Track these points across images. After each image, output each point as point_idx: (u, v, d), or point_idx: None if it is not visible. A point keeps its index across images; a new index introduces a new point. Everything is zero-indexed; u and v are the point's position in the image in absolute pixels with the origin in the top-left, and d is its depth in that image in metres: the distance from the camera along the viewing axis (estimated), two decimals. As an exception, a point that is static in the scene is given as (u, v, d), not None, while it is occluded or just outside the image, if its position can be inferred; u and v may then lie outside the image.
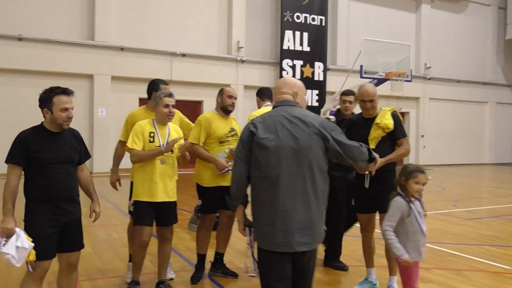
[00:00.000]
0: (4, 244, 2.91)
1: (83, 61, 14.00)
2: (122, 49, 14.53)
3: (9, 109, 13.13)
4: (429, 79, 20.71)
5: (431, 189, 12.46)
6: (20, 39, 13.25)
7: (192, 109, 15.99)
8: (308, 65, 17.29)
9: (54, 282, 3.49)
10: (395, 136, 4.05)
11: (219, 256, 4.74)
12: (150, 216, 3.96)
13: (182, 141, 4.07)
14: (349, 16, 18.81)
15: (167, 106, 3.98)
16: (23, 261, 2.92)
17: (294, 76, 17.01)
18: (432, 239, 5.50)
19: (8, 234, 2.92)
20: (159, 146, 3.94)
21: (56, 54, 13.61)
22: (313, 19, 17.38)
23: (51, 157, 3.07)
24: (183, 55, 15.45)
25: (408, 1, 20.43)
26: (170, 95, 4.04)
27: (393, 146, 4.05)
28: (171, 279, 4.48)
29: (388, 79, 14.89)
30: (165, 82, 4.63)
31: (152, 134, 3.97)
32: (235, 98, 4.75)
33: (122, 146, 4.45)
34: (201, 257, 4.60)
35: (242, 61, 16.48)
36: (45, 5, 13.74)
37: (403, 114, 18.99)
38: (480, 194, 12.23)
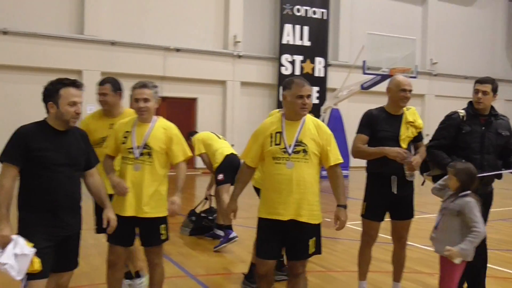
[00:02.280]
0: (0, 255, 2.64)
1: (72, 56, 13.99)
2: (112, 43, 14.52)
3: (-6, 106, 13.13)
4: (435, 75, 20.76)
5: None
6: (5, 32, 13.23)
7: (186, 106, 16.02)
8: (308, 61, 17.30)
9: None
10: (419, 137, 4.07)
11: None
12: (122, 232, 3.34)
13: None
14: (352, 9, 18.81)
15: (136, 100, 3.43)
16: (25, 271, 2.65)
17: (293, 71, 17.01)
18: (437, 243, 5.52)
19: (4, 242, 2.67)
20: (131, 148, 3.41)
21: (43, 48, 13.59)
22: (314, 12, 17.38)
23: (53, 158, 2.82)
24: (177, 50, 15.45)
25: (414, -7, 20.46)
26: (143, 85, 3.45)
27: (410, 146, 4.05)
28: None
29: (393, 75, 14.89)
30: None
31: (126, 134, 3.48)
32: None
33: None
34: None
35: (239, 56, 16.49)
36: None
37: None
38: (489, 196, 12.23)
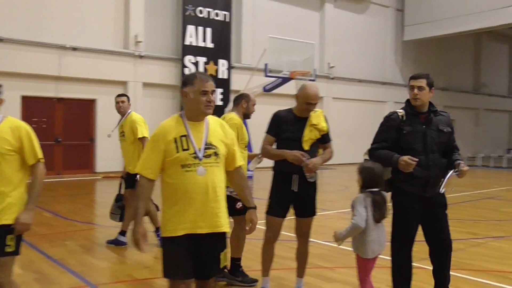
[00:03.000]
0: None
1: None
2: (1, 40, 13.48)
3: None
4: (333, 78, 21.77)
5: (334, 188, 13.15)
6: None
7: (84, 108, 15.32)
8: (212, 63, 17.35)
9: None
10: (325, 139, 4.22)
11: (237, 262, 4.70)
12: None
13: None
14: (254, 13, 19.16)
15: None
16: None
17: (197, 73, 16.92)
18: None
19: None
20: None
21: None
22: (217, 14, 17.47)
23: None
24: (74, 49, 14.70)
25: (312, 0, 21.34)
26: None
27: (317, 147, 4.19)
28: None
29: (293, 78, 15.43)
30: None
31: None
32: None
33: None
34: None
35: (141, 57, 16.10)
36: None
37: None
38: (382, 192, 13.12)
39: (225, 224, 2.91)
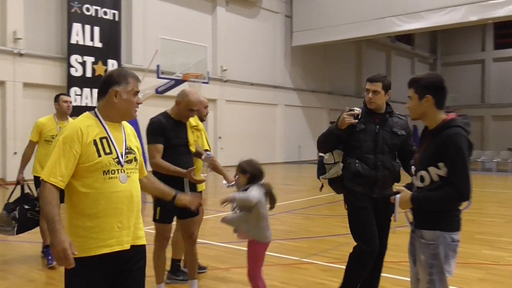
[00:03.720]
0: None
1: None
2: None
3: None
4: (226, 81, 21.95)
5: (226, 190, 13.20)
6: None
7: (-45, 110, 13.87)
8: (100, 62, 16.60)
9: None
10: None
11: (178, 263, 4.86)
12: None
13: None
14: (144, 13, 18.69)
15: None
16: None
17: (84, 73, 16.17)
18: (229, 239, 5.83)
19: None
20: None
21: None
22: (105, 13, 16.78)
23: None
24: None
25: (204, 2, 21.29)
26: None
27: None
28: None
29: (186, 80, 15.35)
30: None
31: None
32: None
33: None
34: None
35: (21, 55, 14.92)
36: None
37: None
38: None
39: (144, 236, 2.60)
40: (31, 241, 6.73)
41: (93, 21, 16.41)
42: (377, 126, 3.74)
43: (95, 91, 16.41)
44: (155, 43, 16.83)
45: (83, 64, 16.17)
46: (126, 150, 2.52)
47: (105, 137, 2.46)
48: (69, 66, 15.86)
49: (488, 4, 18.54)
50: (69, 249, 2.22)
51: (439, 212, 2.63)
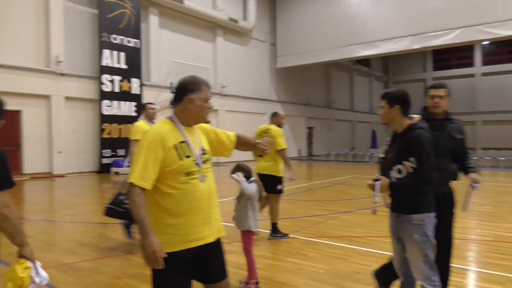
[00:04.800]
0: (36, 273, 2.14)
1: None
2: None
3: None
4: (225, 95, 21.92)
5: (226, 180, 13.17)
6: None
7: (10, 118, 13.71)
8: (126, 81, 16.51)
9: None
10: None
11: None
12: None
13: None
14: (160, 41, 18.60)
15: None
16: None
17: (113, 89, 16.07)
18: (229, 220, 5.85)
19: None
20: None
21: None
22: (129, 41, 16.67)
23: None
24: (0, 66, 13.09)
25: (206, 33, 21.24)
26: None
27: None
28: None
29: (193, 95, 15.27)
30: None
31: None
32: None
33: None
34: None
35: (62, 74, 14.80)
36: None
37: (208, 123, 19.62)
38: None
39: (223, 228, 2.32)
40: (73, 221, 6.68)
41: (119, 47, 16.31)
42: (438, 131, 3.16)
43: (122, 103, 16.39)
44: (168, 65, 16.78)
45: (112, 81, 16.06)
46: (202, 152, 2.23)
47: (184, 141, 2.16)
48: (101, 83, 15.75)
49: (427, 35, 18.77)
50: (159, 251, 1.96)
51: (420, 198, 2.65)
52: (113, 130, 16.14)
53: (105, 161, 15.84)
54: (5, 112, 2.33)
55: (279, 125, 5.68)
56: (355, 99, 34.94)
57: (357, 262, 4.45)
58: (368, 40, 20.74)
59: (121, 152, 16.29)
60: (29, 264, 2.14)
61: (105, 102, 15.88)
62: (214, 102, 20.03)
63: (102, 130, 15.83)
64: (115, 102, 16.17)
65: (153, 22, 18.22)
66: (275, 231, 5.53)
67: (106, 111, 15.91)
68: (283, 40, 24.73)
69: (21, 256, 2.14)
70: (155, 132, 2.11)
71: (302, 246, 5.14)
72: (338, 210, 7.59)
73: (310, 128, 29.20)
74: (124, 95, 16.51)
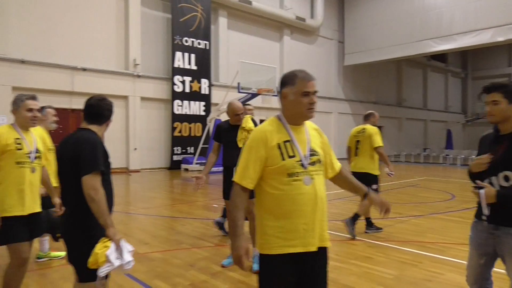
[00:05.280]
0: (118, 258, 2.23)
1: (-17, 72, 12.23)
2: (22, 61, 12.98)
3: None
4: (290, 94, 21.85)
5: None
6: None
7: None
8: (196, 81, 17.19)
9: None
10: None
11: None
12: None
13: None
14: (228, 43, 19.08)
15: (30, 110, 3.04)
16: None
17: (184, 89, 16.80)
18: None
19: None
20: (29, 153, 3.03)
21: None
22: (199, 43, 17.32)
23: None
24: (84, 69, 14.31)
25: (273, 32, 21.37)
26: (33, 97, 3.10)
27: None
28: None
29: (260, 94, 15.45)
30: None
31: (19, 141, 3.02)
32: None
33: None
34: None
35: (139, 76, 15.80)
36: None
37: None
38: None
39: (328, 237, 2.07)
40: (146, 214, 7.10)
41: (190, 49, 17.00)
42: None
43: (192, 102, 17.06)
44: (236, 66, 17.13)
45: (183, 82, 16.81)
46: (310, 153, 2.03)
47: (289, 141, 2.00)
48: (173, 84, 16.55)
49: (514, 26, 17.14)
50: (244, 256, 1.90)
51: None
52: (183, 129, 16.89)
53: (175, 158, 16.63)
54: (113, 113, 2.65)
55: (374, 125, 5.90)
56: (428, 97, 33.00)
57: (428, 269, 4.20)
58: (444, 34, 19.43)
59: (190, 149, 17.00)
60: (109, 244, 2.24)
61: (177, 102, 16.66)
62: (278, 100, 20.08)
63: (174, 129, 16.63)
64: (185, 102, 16.90)
65: (222, 24, 18.73)
66: (370, 224, 5.79)
67: (177, 110, 16.69)
68: (351, 37, 24.08)
69: (106, 236, 2.28)
70: (258, 130, 2.03)
71: (369, 249, 4.97)
72: (408, 213, 7.27)
73: (379, 128, 28.10)
74: (194, 95, 17.18)
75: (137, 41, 15.75)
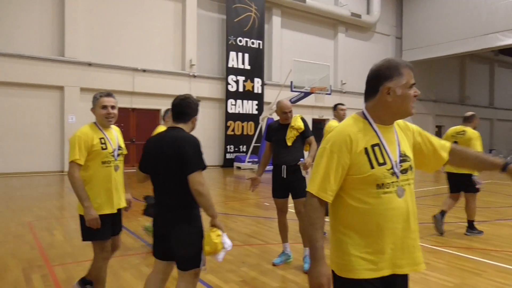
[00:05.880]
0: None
1: (55, 75, 13.25)
2: (89, 64, 13.89)
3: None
4: (344, 92, 21.45)
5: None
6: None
7: (152, 116, 15.61)
8: (249, 80, 17.37)
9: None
10: (305, 135, 4.35)
11: None
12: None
13: None
14: (281, 41, 19.07)
15: (104, 107, 3.07)
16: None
17: (237, 89, 17.04)
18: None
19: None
20: (112, 151, 3.07)
21: (29, 67, 12.78)
22: (253, 43, 17.47)
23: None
24: (144, 71, 15.01)
25: (327, 30, 21.04)
26: (108, 95, 3.13)
27: (303, 143, 4.36)
28: None
29: (313, 93, 15.29)
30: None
31: (102, 140, 3.04)
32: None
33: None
34: None
35: (194, 76, 16.27)
36: (21, 24, 12.87)
37: (324, 120, 19.54)
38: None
39: (422, 260, 1.72)
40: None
41: (243, 49, 17.21)
42: None
43: (245, 101, 17.25)
44: (289, 64, 17.08)
45: (236, 82, 17.06)
46: (401, 158, 1.67)
47: (377, 144, 1.64)
48: (227, 83, 16.85)
49: None
50: (327, 285, 1.59)
51: None
52: (236, 127, 17.15)
53: (228, 156, 16.93)
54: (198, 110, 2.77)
55: (475, 128, 5.80)
56: (495, 95, 30.76)
57: (493, 279, 3.92)
58: (514, 26, 18.02)
59: (243, 148, 17.22)
60: (220, 232, 2.47)
61: (230, 101, 16.95)
62: (334, 99, 19.75)
63: (227, 127, 16.94)
64: (239, 101, 17.14)
65: (275, 23, 18.76)
66: (472, 227, 5.69)
67: (231, 109, 16.98)
68: (410, 33, 23.09)
69: (213, 225, 2.48)
70: (340, 132, 1.65)
71: (427, 255, 4.73)
72: (471, 218, 6.81)
73: (439, 127, 26.71)
74: (247, 94, 17.37)
75: (193, 42, 16.23)
